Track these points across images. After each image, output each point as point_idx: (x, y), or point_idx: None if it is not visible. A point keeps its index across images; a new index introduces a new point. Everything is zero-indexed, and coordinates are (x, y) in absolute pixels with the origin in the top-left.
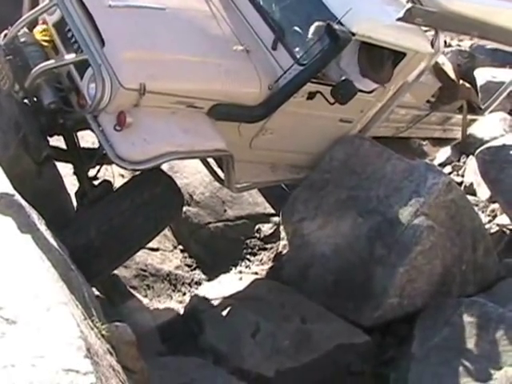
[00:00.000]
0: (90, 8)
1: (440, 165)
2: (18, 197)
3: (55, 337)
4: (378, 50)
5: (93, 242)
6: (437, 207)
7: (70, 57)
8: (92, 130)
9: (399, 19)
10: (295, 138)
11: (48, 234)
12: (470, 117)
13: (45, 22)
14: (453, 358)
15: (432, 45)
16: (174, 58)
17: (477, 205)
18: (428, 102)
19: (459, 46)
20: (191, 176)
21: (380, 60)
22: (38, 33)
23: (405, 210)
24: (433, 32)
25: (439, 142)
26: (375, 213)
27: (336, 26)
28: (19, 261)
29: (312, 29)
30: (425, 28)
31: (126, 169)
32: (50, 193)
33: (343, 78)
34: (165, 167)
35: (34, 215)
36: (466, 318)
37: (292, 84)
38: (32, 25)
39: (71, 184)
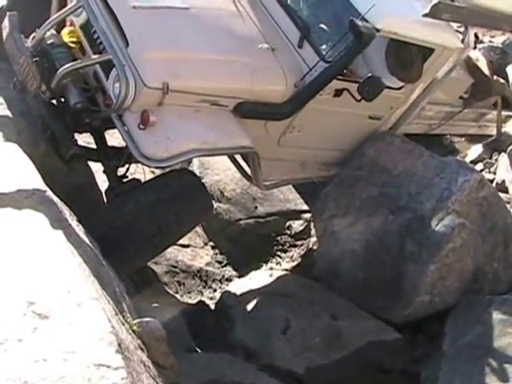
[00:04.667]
0: (115, 9)
1: (472, 162)
2: (49, 193)
3: (87, 332)
4: (406, 47)
5: (116, 232)
6: (468, 204)
7: (95, 57)
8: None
9: (425, 15)
10: (324, 136)
11: (79, 230)
12: (505, 113)
13: (72, 24)
14: (484, 356)
15: (462, 40)
16: (198, 56)
17: (509, 202)
18: (461, 98)
19: (491, 42)
20: (222, 173)
21: (409, 58)
22: (65, 34)
23: (436, 207)
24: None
25: (475, 138)
26: (406, 210)
27: (359, 23)
28: (51, 256)
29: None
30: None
31: (150, 166)
32: (81, 189)
33: (369, 74)
34: (195, 164)
35: (66, 211)
36: (498, 316)
37: (318, 81)
38: (60, 26)
39: (103, 181)
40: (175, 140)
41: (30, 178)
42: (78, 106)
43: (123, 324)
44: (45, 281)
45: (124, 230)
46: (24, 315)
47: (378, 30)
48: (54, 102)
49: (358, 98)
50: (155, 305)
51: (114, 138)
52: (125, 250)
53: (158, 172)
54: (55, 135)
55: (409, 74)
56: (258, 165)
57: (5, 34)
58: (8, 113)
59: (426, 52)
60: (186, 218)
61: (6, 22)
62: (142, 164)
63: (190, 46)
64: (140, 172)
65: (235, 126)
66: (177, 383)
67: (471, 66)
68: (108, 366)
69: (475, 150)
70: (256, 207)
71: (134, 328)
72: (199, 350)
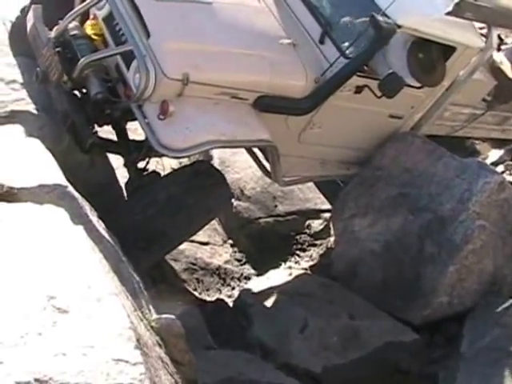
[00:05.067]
0: (137, 1)
1: (492, 164)
2: (70, 188)
3: (106, 327)
4: (428, 50)
5: (137, 225)
6: (489, 206)
7: (116, 48)
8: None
9: (448, 13)
10: (345, 134)
11: (100, 226)
12: None
13: (95, 17)
14: (503, 358)
15: (485, 40)
16: (219, 49)
17: None
18: (484, 100)
19: None
20: (242, 171)
21: (431, 62)
22: (88, 27)
23: (456, 208)
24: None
25: (499, 142)
26: (426, 211)
27: (380, 18)
28: (72, 252)
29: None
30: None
31: (168, 156)
32: (102, 184)
33: (390, 71)
34: (216, 161)
35: (87, 206)
36: None
37: (338, 77)
38: (83, 19)
39: (122, 176)
40: (194, 131)
41: (52, 173)
42: (99, 97)
43: (142, 320)
44: (65, 276)
45: (146, 223)
46: (44, 309)
47: (399, 27)
48: (76, 92)
49: (379, 94)
50: (173, 302)
51: (136, 135)
52: (144, 241)
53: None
54: (75, 125)
55: (431, 77)
56: (276, 159)
57: (29, 26)
58: (30, 108)
59: (447, 51)
60: (206, 209)
61: (30, 15)
62: (162, 155)
63: (211, 38)
64: (160, 168)
65: (254, 119)
66: (194, 380)
67: (494, 69)
68: (126, 362)
69: (496, 152)
70: (276, 206)
71: (153, 324)
72: (217, 348)
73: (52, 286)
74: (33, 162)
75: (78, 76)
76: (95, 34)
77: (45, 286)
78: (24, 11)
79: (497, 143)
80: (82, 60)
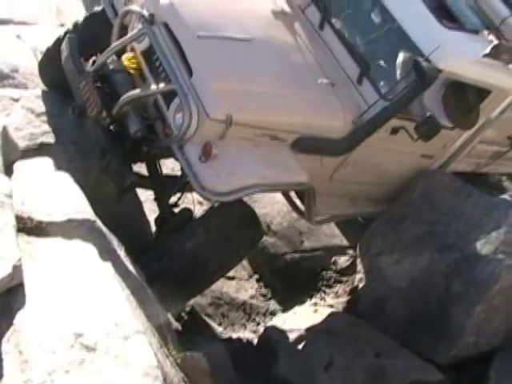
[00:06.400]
0: (179, 38)
1: None
2: (98, 223)
3: (133, 366)
4: (464, 93)
5: (172, 269)
6: None
7: (158, 86)
8: (177, 159)
9: (486, 55)
10: (375, 172)
11: (127, 261)
12: None
13: (133, 50)
14: None
15: None
16: (261, 89)
17: None
18: (509, 138)
19: None
20: (269, 206)
21: (467, 105)
22: (126, 60)
23: (484, 247)
24: None
25: None
26: (453, 249)
27: (423, 63)
28: (100, 288)
29: (400, 58)
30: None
31: (209, 200)
32: (129, 218)
33: (428, 114)
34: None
35: (114, 241)
36: None
37: (376, 119)
38: (120, 51)
39: (149, 210)
40: (236, 175)
41: (80, 207)
42: (139, 135)
43: (168, 357)
44: (93, 312)
45: (178, 265)
46: (72, 347)
47: (439, 71)
48: (113, 128)
49: (415, 136)
50: (199, 337)
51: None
52: (178, 285)
53: (206, 201)
54: (114, 163)
55: (466, 120)
56: (312, 199)
57: (63, 56)
58: (58, 141)
59: (482, 92)
60: (239, 248)
61: (64, 45)
62: (201, 196)
63: (253, 78)
64: (186, 202)
65: (293, 161)
66: None
67: None
68: None
69: None
70: (302, 241)
71: (179, 361)
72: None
73: (80, 323)
74: (61, 195)
75: (118, 112)
76: (132, 68)
77: (73, 322)
78: (56, 42)
79: None
80: (123, 97)
